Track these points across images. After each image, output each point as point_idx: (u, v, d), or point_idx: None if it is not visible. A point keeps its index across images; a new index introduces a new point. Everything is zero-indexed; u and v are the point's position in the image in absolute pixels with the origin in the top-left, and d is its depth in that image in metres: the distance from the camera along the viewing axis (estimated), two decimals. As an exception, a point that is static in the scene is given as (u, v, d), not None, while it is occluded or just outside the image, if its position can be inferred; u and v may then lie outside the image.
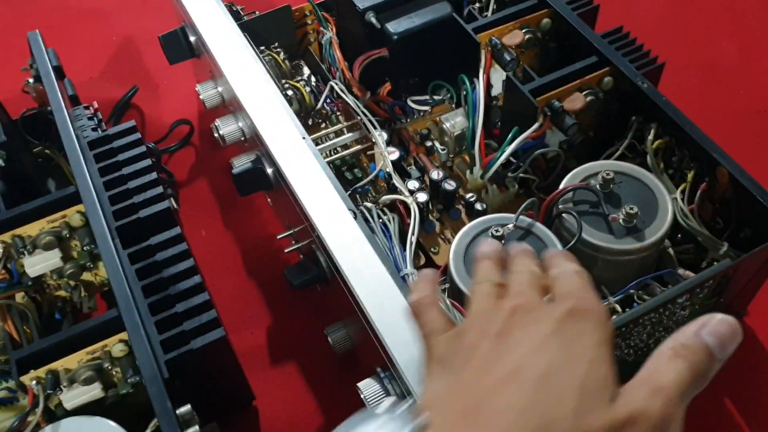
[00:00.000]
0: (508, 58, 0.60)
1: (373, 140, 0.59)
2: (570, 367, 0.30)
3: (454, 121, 0.63)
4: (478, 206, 0.59)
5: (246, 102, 0.57)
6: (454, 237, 0.59)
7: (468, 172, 0.62)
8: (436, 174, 0.61)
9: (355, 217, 0.50)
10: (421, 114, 0.67)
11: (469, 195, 0.60)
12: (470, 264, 0.51)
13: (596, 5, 0.64)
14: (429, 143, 0.65)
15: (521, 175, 0.60)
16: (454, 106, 0.65)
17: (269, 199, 0.67)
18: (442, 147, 0.64)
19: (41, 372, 0.46)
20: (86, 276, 0.57)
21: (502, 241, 0.51)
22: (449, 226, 0.61)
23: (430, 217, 0.61)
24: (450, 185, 0.60)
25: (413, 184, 0.59)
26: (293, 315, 0.62)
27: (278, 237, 0.61)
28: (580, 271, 0.35)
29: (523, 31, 0.62)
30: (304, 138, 0.54)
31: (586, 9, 0.63)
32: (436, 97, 0.66)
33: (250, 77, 0.59)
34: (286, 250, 0.60)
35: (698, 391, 0.30)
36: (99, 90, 0.76)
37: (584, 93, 0.57)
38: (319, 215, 0.50)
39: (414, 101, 0.66)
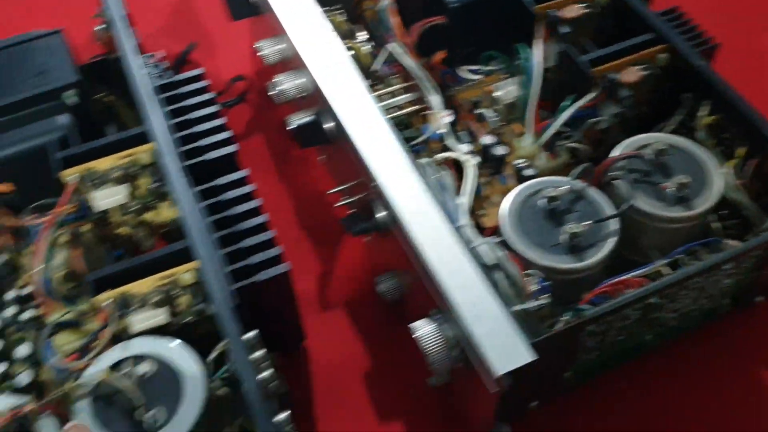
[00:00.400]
0: (565, 31, 0.62)
1: (430, 102, 0.61)
2: None
3: (507, 90, 0.65)
4: (528, 172, 0.61)
5: (306, 56, 0.58)
6: (501, 201, 0.61)
7: (518, 139, 0.64)
8: (487, 139, 0.62)
9: (414, 170, 0.52)
10: (473, 82, 0.68)
11: (520, 161, 0.62)
12: (524, 222, 0.53)
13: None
14: (479, 111, 0.66)
15: (571, 144, 0.61)
16: (506, 76, 0.67)
17: (323, 156, 0.68)
18: (493, 115, 0.66)
19: (114, 294, 0.48)
20: (148, 215, 0.59)
21: (556, 203, 0.53)
22: (497, 190, 0.63)
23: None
24: (501, 150, 0.62)
25: (465, 148, 0.61)
26: (343, 265, 0.64)
27: (329, 192, 0.63)
28: None
29: (580, 5, 0.63)
30: (365, 93, 0.56)
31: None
32: (488, 68, 0.68)
33: (312, 32, 0.61)
34: (336, 204, 0.62)
35: None
36: (157, 45, 0.78)
37: (640, 68, 0.59)
38: (379, 165, 0.51)
39: (467, 70, 0.68)
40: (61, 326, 0.56)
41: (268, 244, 0.50)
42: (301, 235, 0.67)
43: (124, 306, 0.49)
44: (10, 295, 0.59)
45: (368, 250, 0.64)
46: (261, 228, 0.50)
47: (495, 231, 0.55)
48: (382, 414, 0.56)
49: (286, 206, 0.69)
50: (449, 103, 0.67)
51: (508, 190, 0.61)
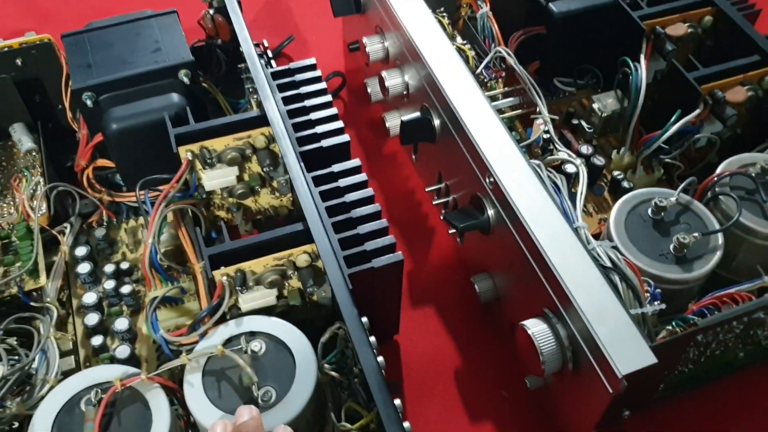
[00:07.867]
0: (669, 48, 0.63)
1: (538, 108, 0.61)
2: None
3: (605, 103, 0.65)
4: (625, 184, 0.62)
5: (426, 53, 0.59)
6: (595, 211, 0.62)
7: (615, 152, 0.65)
8: (585, 149, 0.63)
9: (530, 169, 0.52)
10: (566, 94, 0.69)
11: (617, 173, 0.63)
12: (631, 230, 0.53)
13: (758, 9, 0.66)
14: (575, 121, 0.67)
15: (667, 160, 0.62)
16: (600, 91, 0.68)
17: (415, 156, 0.69)
18: (589, 126, 0.66)
19: (231, 270, 0.49)
20: (247, 201, 0.60)
21: (662, 213, 0.54)
22: (591, 200, 0.63)
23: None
24: (599, 160, 0.62)
25: (563, 155, 0.62)
26: (433, 263, 0.65)
27: (427, 189, 0.64)
28: None
29: (686, 24, 0.64)
30: (478, 93, 0.57)
31: (749, 11, 0.65)
32: (580, 81, 0.69)
33: (427, 32, 0.61)
34: (434, 202, 0.63)
35: None
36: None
37: (745, 88, 0.60)
38: (497, 162, 0.52)
39: (560, 82, 0.69)
40: (164, 301, 0.57)
41: (383, 232, 0.50)
42: (392, 231, 0.67)
43: (242, 282, 0.49)
44: (109, 268, 0.60)
45: (460, 250, 0.64)
46: (375, 216, 0.51)
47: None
48: (469, 411, 0.57)
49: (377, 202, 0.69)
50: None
51: (603, 201, 0.62)
